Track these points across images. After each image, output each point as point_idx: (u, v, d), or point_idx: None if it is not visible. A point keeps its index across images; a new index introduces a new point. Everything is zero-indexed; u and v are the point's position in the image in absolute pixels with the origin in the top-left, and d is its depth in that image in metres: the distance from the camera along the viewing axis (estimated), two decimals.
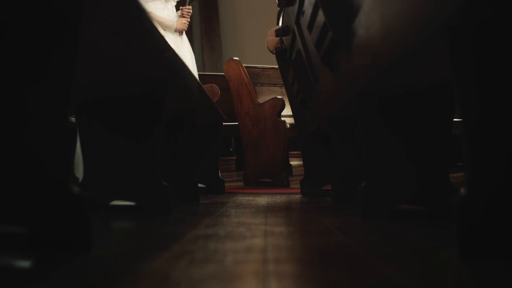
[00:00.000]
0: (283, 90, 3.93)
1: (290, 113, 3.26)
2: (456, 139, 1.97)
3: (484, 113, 0.84)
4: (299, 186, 2.91)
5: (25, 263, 0.83)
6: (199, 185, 2.62)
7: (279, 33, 2.78)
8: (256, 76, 4.32)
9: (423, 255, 0.90)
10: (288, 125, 3.97)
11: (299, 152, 3.06)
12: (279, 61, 3.04)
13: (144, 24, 1.16)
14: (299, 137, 2.92)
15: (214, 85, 3.61)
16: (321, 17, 1.38)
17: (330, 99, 1.76)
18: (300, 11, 1.84)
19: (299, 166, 4.92)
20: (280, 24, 2.96)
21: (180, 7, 3.73)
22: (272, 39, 3.02)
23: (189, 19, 3.76)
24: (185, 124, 2.42)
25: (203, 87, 2.17)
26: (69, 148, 0.98)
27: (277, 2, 2.38)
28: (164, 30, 3.59)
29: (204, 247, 0.97)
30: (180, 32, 3.67)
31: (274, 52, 3.05)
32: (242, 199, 2.59)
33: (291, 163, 4.98)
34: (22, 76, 0.94)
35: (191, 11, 3.77)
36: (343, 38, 1.24)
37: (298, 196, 2.75)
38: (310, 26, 1.60)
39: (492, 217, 0.82)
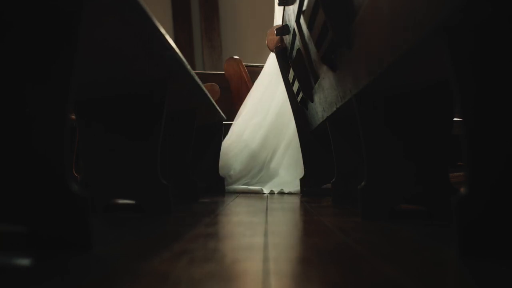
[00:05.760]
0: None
1: None
2: (456, 139, 1.97)
3: (484, 113, 0.84)
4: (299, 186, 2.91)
5: (25, 263, 0.84)
6: (199, 184, 2.62)
7: (279, 32, 2.78)
8: (256, 75, 4.30)
9: (423, 255, 0.90)
10: None
11: None
12: (279, 60, 3.04)
13: (145, 24, 1.16)
14: (299, 137, 2.92)
15: (215, 84, 3.61)
16: (321, 16, 1.38)
17: (330, 98, 1.76)
18: (300, 10, 1.84)
19: None
20: (281, 23, 2.97)
21: None
22: (272, 38, 3.02)
23: None
24: (185, 124, 2.42)
25: (203, 86, 2.17)
26: (69, 146, 0.98)
27: (277, 1, 2.38)
28: None
29: (204, 246, 0.98)
30: None
31: (275, 51, 3.05)
32: (242, 198, 2.59)
33: None
34: (22, 75, 0.94)
35: None
36: (344, 38, 1.24)
37: (298, 196, 2.75)
38: (310, 26, 1.60)
39: (492, 217, 0.83)
